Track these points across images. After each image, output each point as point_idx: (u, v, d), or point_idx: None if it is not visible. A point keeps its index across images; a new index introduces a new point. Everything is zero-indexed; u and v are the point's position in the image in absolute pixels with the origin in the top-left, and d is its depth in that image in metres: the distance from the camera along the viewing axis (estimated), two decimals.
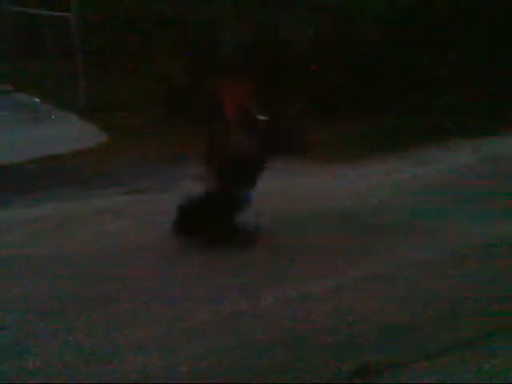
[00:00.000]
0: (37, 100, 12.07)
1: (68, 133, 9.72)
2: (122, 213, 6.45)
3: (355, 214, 6.34)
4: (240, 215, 5.59)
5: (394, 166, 7.95)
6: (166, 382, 3.65)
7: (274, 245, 5.56)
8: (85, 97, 10.90)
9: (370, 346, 3.97)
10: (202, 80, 9.48)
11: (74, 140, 9.25)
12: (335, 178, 7.57)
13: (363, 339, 4.06)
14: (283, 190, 6.88)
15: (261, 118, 5.71)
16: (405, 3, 10.52)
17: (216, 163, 5.71)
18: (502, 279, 4.90)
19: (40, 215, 6.52)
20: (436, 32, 10.35)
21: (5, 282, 5.00)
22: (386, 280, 4.89)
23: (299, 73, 9.87)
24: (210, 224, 5.55)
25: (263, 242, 5.58)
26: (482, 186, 7.11)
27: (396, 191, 7.02)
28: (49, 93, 12.04)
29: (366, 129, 9.39)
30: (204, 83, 9.38)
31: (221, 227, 5.54)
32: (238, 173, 5.60)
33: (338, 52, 10.04)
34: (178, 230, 5.63)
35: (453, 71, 10.30)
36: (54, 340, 4.10)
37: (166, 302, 4.57)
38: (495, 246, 5.49)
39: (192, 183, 6.12)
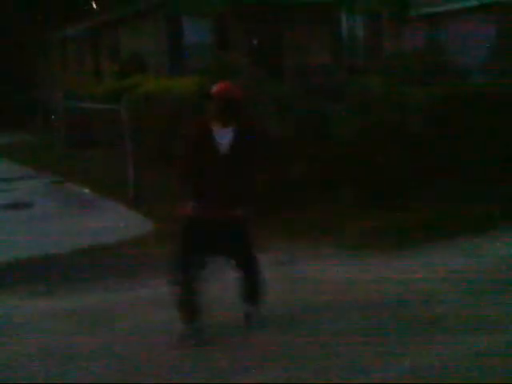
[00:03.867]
0: (86, 191, 12.32)
1: (115, 223, 9.87)
2: (166, 303, 6.46)
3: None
4: None
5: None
6: None
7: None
8: (133, 187, 11.07)
9: None
10: None
11: (121, 230, 9.39)
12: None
13: None
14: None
15: None
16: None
17: None
18: None
19: (84, 305, 6.59)
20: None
21: (50, 370, 5.04)
22: None
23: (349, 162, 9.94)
24: None
25: None
26: None
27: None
28: (98, 183, 12.30)
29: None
30: None
31: None
32: None
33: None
34: None
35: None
36: None
37: None
38: None
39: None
